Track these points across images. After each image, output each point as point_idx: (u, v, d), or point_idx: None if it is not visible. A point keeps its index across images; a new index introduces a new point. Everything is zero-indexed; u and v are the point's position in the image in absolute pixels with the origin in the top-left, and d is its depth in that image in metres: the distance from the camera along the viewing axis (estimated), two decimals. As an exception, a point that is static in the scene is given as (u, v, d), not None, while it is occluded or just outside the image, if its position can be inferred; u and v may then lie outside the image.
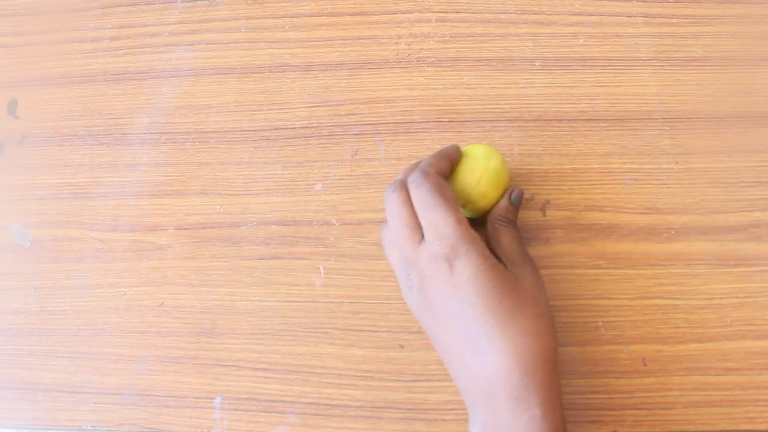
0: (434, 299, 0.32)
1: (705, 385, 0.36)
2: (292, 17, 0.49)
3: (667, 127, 0.42)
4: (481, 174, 0.36)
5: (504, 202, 0.37)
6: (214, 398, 0.39)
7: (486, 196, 0.37)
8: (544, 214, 0.41)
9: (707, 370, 0.37)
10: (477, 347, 0.31)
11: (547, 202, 0.41)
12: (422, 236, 0.33)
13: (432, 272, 0.32)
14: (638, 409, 0.36)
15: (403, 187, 0.34)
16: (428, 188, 0.33)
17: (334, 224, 0.42)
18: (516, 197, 0.37)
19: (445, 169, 0.35)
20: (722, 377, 0.36)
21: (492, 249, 0.36)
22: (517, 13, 0.47)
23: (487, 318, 0.30)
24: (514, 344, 0.30)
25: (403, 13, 0.48)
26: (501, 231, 0.36)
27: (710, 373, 0.37)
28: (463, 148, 0.38)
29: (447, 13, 0.48)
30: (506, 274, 0.32)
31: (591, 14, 0.46)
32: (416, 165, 0.36)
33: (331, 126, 0.45)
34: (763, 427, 0.35)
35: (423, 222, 0.33)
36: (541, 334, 0.30)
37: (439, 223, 0.32)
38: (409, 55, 0.47)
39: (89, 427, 0.39)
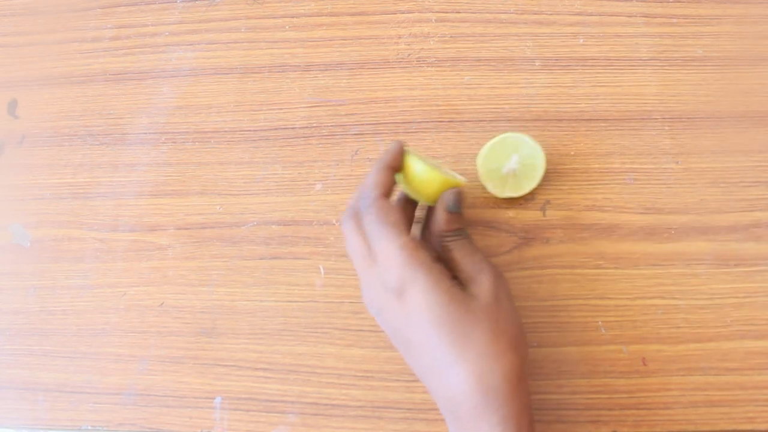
0: (392, 325, 0.32)
1: (705, 385, 0.36)
2: (292, 17, 0.49)
3: (667, 127, 0.42)
4: (414, 161, 0.35)
5: (441, 215, 0.34)
6: (214, 398, 0.39)
7: (424, 182, 0.34)
8: (544, 214, 0.41)
9: (707, 370, 0.37)
10: (438, 371, 0.31)
11: (547, 202, 0.41)
12: (374, 261, 0.32)
13: (385, 302, 0.32)
14: (638, 409, 0.36)
15: (354, 214, 0.34)
16: (371, 219, 0.32)
17: (334, 224, 0.42)
18: (452, 203, 0.34)
19: (388, 181, 0.33)
20: (722, 377, 0.36)
21: (447, 265, 0.34)
22: (517, 13, 0.47)
23: (443, 345, 0.30)
24: (471, 367, 0.30)
25: (403, 13, 0.48)
26: (448, 247, 0.34)
27: (710, 373, 0.37)
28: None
29: (447, 13, 0.48)
30: (458, 296, 0.31)
31: (591, 14, 0.46)
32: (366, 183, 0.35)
33: (331, 126, 0.45)
34: (763, 427, 0.35)
35: (373, 251, 0.32)
36: (498, 354, 0.30)
37: (384, 252, 0.31)
38: (409, 55, 0.47)
39: (89, 427, 0.39)
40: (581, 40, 0.45)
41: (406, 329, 0.31)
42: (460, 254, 0.33)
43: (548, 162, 0.42)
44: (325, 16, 0.49)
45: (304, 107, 0.46)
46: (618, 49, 0.45)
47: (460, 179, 0.36)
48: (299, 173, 0.44)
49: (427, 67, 0.46)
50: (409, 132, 0.44)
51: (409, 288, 0.31)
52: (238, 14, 0.50)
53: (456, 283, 0.31)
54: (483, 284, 0.32)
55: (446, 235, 0.34)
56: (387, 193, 0.33)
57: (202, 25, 0.50)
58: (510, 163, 0.39)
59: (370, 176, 0.34)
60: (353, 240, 0.33)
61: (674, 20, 0.46)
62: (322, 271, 0.41)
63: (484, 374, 0.30)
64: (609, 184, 0.41)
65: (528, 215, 0.41)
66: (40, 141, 0.47)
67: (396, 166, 0.34)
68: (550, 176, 0.42)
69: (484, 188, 0.42)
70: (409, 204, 0.37)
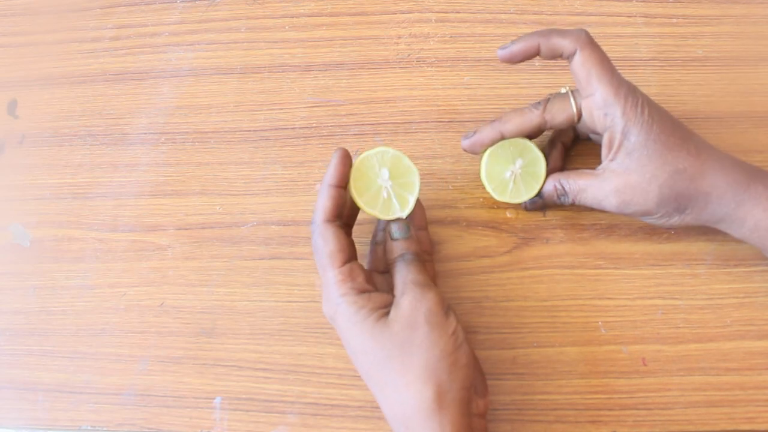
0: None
1: (705, 385, 0.36)
2: (292, 17, 0.49)
3: (667, 127, 0.42)
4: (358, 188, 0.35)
5: (387, 243, 0.35)
6: (214, 398, 0.39)
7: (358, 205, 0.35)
8: (544, 214, 0.41)
9: (707, 370, 0.37)
10: (375, 394, 0.33)
11: (547, 202, 0.41)
12: None
13: (332, 324, 0.33)
14: (638, 409, 0.36)
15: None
16: (313, 244, 0.33)
17: (334, 224, 0.42)
18: (392, 231, 0.35)
19: (331, 203, 0.33)
20: (722, 377, 0.36)
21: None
22: (517, 13, 0.47)
23: (363, 374, 0.32)
24: (384, 397, 0.31)
25: (403, 13, 0.48)
26: (393, 271, 0.34)
27: (710, 373, 0.37)
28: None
29: (447, 13, 0.48)
30: (373, 326, 0.31)
31: (591, 14, 0.46)
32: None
33: (331, 126, 0.45)
34: (763, 427, 0.35)
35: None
36: (406, 385, 0.30)
37: (323, 282, 0.33)
38: (409, 55, 0.47)
39: (89, 427, 0.39)
40: (581, 40, 0.45)
41: (346, 350, 0.33)
42: (397, 277, 0.33)
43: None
44: (325, 16, 0.49)
45: (304, 107, 0.46)
46: (618, 49, 0.45)
47: (409, 201, 0.35)
48: (299, 173, 0.44)
49: (427, 67, 0.46)
50: (409, 132, 0.44)
51: (335, 318, 0.32)
52: (238, 14, 0.50)
53: (380, 313, 0.31)
54: (401, 309, 0.31)
55: (391, 261, 0.34)
56: (331, 215, 0.33)
57: (202, 25, 0.50)
58: (514, 166, 0.38)
59: (318, 196, 0.34)
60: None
61: (674, 20, 0.46)
62: (322, 271, 0.41)
63: (396, 405, 0.30)
64: (609, 184, 0.41)
65: (528, 215, 0.41)
66: (40, 141, 0.47)
67: (340, 182, 0.34)
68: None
69: (483, 188, 0.42)
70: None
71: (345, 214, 0.36)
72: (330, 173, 0.34)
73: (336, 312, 0.32)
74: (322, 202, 0.33)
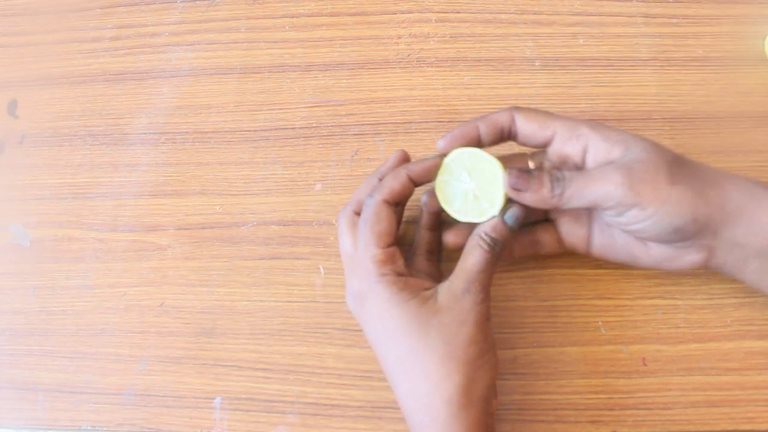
0: (362, 326, 0.33)
1: (705, 385, 0.36)
2: (292, 17, 0.49)
3: (667, 127, 0.42)
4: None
5: (495, 219, 0.33)
6: (214, 398, 0.39)
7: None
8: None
9: (707, 370, 0.37)
10: (392, 381, 0.32)
11: (547, 202, 0.41)
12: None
13: (354, 306, 0.33)
14: (638, 409, 0.36)
15: (353, 212, 0.34)
16: (363, 218, 0.33)
17: (334, 224, 0.42)
18: (511, 217, 0.32)
19: (400, 190, 0.33)
20: (722, 377, 0.36)
21: (458, 265, 0.33)
22: (517, 13, 0.47)
23: (391, 357, 0.31)
24: (413, 386, 0.30)
25: (403, 13, 0.48)
26: (473, 250, 0.32)
27: (710, 373, 0.37)
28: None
29: (447, 13, 0.48)
30: (417, 310, 0.31)
31: (591, 14, 0.46)
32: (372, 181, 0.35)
33: (331, 126, 0.45)
34: (763, 427, 0.35)
35: (356, 251, 0.33)
36: (444, 376, 0.30)
37: (359, 257, 0.32)
38: (409, 55, 0.47)
39: (89, 427, 0.39)
40: (581, 40, 0.45)
41: (367, 334, 0.33)
42: (474, 261, 0.32)
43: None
44: (325, 16, 0.49)
45: (304, 107, 0.46)
46: (618, 49, 0.45)
47: (497, 197, 0.33)
48: (299, 173, 0.44)
49: (427, 67, 0.46)
50: (409, 132, 0.44)
51: (368, 297, 0.32)
52: (238, 14, 0.50)
53: (422, 296, 0.31)
54: (460, 303, 0.31)
55: (483, 236, 0.32)
56: (394, 200, 0.33)
57: (202, 25, 0.50)
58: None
59: (388, 177, 0.34)
60: (344, 237, 0.34)
61: (674, 20, 0.46)
62: (322, 271, 0.41)
63: (426, 395, 0.30)
64: (609, 184, 0.41)
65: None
66: (40, 141, 0.47)
67: (419, 181, 0.34)
68: (550, 176, 0.41)
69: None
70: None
71: (403, 207, 0.35)
72: (416, 167, 0.33)
73: (370, 291, 0.31)
74: (392, 183, 0.33)
